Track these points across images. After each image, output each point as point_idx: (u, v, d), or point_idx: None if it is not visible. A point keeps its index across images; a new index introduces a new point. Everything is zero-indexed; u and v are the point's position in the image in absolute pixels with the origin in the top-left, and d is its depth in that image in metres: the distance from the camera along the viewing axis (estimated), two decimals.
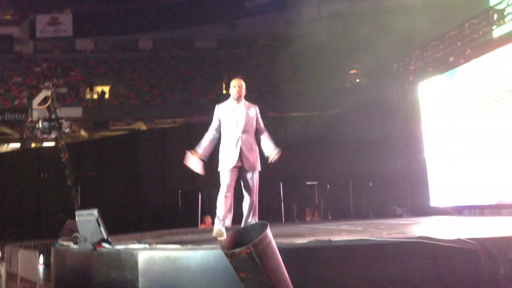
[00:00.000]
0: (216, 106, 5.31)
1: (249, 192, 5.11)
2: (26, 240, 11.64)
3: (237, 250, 2.61)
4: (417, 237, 3.79)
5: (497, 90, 8.45)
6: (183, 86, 24.32)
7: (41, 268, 10.19)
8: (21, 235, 12.96)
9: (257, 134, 5.22)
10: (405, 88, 11.16)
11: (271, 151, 5.08)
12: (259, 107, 5.37)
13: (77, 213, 4.91)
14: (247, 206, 5.11)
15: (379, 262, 3.62)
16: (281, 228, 4.90)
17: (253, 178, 5.12)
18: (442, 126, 9.87)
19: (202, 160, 5.11)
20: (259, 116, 5.27)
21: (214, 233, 4.88)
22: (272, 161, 5.06)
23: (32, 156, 16.72)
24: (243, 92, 5.24)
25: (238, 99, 5.19)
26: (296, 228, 4.77)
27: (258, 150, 5.19)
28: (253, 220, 5.06)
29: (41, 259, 10.77)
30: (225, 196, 4.95)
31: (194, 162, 5.07)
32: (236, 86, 5.22)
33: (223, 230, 4.87)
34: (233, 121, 5.12)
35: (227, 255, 2.69)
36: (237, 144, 5.05)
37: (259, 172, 5.22)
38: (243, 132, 5.09)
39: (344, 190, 11.46)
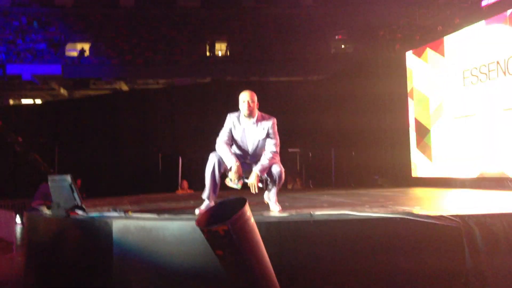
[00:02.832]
0: (228, 114, 4.59)
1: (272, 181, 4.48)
2: (3, 199, 11.45)
3: (213, 226, 2.47)
4: (399, 213, 3.71)
5: (484, 61, 8.35)
6: (165, 46, 23.80)
7: (18, 228, 10.07)
8: None
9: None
10: (392, 56, 11.01)
11: (253, 174, 4.30)
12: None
13: (49, 177, 4.72)
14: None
15: (361, 237, 3.55)
16: (261, 197, 4.78)
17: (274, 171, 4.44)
18: (427, 96, 9.79)
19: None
20: (271, 132, 4.49)
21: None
22: (249, 183, 4.31)
23: (10, 113, 16.35)
24: (255, 107, 4.47)
25: (249, 116, 4.47)
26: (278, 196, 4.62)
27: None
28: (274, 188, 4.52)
29: (18, 219, 10.64)
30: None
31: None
32: (246, 101, 4.43)
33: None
34: (242, 144, 4.53)
35: (202, 231, 2.56)
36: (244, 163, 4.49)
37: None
38: (252, 156, 4.53)
39: (326, 158, 11.43)
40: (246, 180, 4.40)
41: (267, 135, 4.51)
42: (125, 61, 23.04)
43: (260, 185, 4.38)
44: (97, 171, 13.06)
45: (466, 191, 7.60)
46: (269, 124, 4.51)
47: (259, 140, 4.51)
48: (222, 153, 4.40)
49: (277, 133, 4.57)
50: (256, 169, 4.34)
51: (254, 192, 4.31)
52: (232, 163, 4.30)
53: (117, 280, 3.83)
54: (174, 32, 24.90)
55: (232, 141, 4.55)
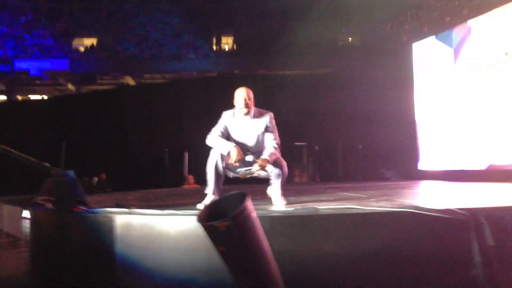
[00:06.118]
0: (223, 112, 4.47)
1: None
2: (10, 194, 11.47)
3: (214, 222, 2.42)
4: (406, 207, 3.64)
5: (492, 52, 8.23)
6: (172, 41, 23.77)
7: (26, 223, 10.08)
8: (6, 189, 12.76)
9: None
10: (399, 48, 10.90)
11: (262, 157, 4.23)
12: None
13: (53, 173, 4.70)
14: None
15: (366, 232, 3.48)
16: (266, 191, 4.74)
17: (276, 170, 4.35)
18: (434, 88, 9.68)
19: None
20: (270, 127, 4.42)
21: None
22: (254, 170, 4.19)
23: (18, 109, 16.40)
24: (252, 104, 4.38)
25: (246, 114, 4.37)
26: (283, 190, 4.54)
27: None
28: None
29: (27, 214, 10.65)
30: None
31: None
32: (242, 98, 4.32)
33: None
34: (241, 140, 4.40)
35: (203, 227, 2.51)
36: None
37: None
38: (253, 153, 4.41)
39: (333, 152, 11.35)
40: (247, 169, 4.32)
41: (266, 129, 4.42)
42: (132, 56, 23.04)
43: (263, 173, 4.28)
44: (104, 166, 13.04)
45: (475, 183, 7.49)
46: (267, 119, 4.44)
47: (258, 135, 4.42)
48: (216, 142, 4.30)
49: (275, 127, 4.49)
50: (265, 155, 4.25)
51: (256, 174, 4.21)
52: (229, 146, 4.21)
53: (120, 275, 3.80)
54: (180, 26, 24.85)
55: (226, 137, 4.41)
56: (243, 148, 4.40)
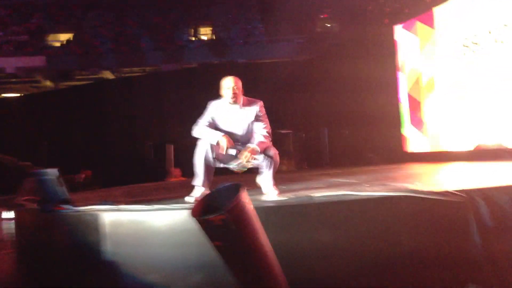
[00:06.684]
0: (210, 103, 4.33)
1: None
2: None
3: (209, 216, 2.29)
4: (402, 191, 3.54)
5: (476, 31, 8.19)
6: (150, 33, 23.39)
7: (6, 224, 9.85)
8: None
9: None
10: (380, 31, 10.82)
11: (245, 150, 4.07)
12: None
13: (35, 172, 4.52)
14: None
15: (364, 218, 3.38)
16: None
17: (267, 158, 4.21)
18: (419, 70, 9.63)
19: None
20: (260, 116, 4.29)
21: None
22: (244, 160, 4.03)
23: None
24: (240, 94, 4.25)
25: (234, 103, 4.24)
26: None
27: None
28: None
29: (7, 214, 10.40)
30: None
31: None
32: (230, 88, 4.19)
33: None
34: (230, 130, 4.25)
35: (198, 222, 2.37)
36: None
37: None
38: (243, 142, 4.24)
39: (319, 138, 11.28)
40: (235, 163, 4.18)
41: (256, 118, 4.29)
42: (110, 50, 22.63)
43: (256, 162, 4.15)
44: (89, 163, 12.80)
45: (463, 164, 7.46)
46: (256, 107, 4.29)
47: (248, 124, 4.28)
48: (204, 133, 4.19)
49: (266, 115, 4.36)
50: (253, 144, 4.13)
51: (250, 165, 4.09)
52: (218, 136, 4.10)
53: (109, 274, 3.66)
54: (158, 18, 24.46)
55: (214, 128, 4.28)
56: (232, 138, 4.28)
